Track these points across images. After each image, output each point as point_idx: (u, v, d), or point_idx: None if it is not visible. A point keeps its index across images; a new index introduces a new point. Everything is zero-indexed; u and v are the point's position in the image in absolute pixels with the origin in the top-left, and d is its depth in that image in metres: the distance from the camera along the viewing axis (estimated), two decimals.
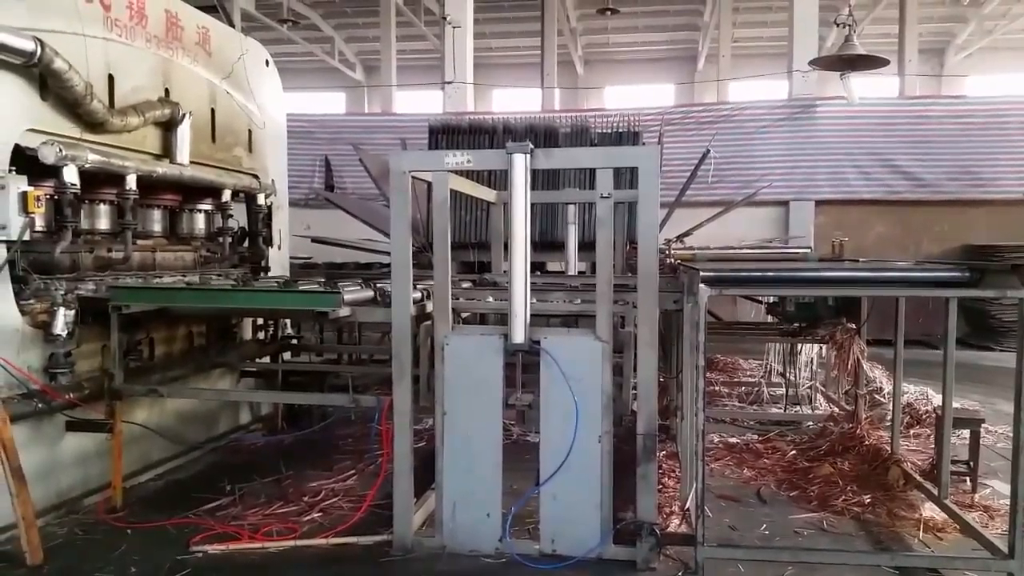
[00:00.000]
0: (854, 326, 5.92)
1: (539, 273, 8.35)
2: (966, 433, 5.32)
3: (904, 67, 17.28)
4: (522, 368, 3.94)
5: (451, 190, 4.38)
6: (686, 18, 22.10)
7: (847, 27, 7.05)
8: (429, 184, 4.05)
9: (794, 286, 3.96)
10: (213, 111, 6.01)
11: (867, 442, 5.65)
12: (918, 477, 4.84)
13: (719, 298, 3.75)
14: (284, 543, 3.95)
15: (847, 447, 5.66)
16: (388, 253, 4.03)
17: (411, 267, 3.80)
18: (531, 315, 3.79)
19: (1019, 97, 13.48)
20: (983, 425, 5.34)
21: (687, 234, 9.12)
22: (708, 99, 19.59)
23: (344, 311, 3.99)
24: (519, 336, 3.69)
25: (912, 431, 6.48)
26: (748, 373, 9.07)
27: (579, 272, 6.96)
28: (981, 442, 5.19)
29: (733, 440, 6.26)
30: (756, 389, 7.78)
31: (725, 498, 4.86)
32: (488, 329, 4.03)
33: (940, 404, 6.69)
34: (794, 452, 5.80)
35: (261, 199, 6.47)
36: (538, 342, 3.73)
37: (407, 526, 3.80)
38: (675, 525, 4.22)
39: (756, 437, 6.31)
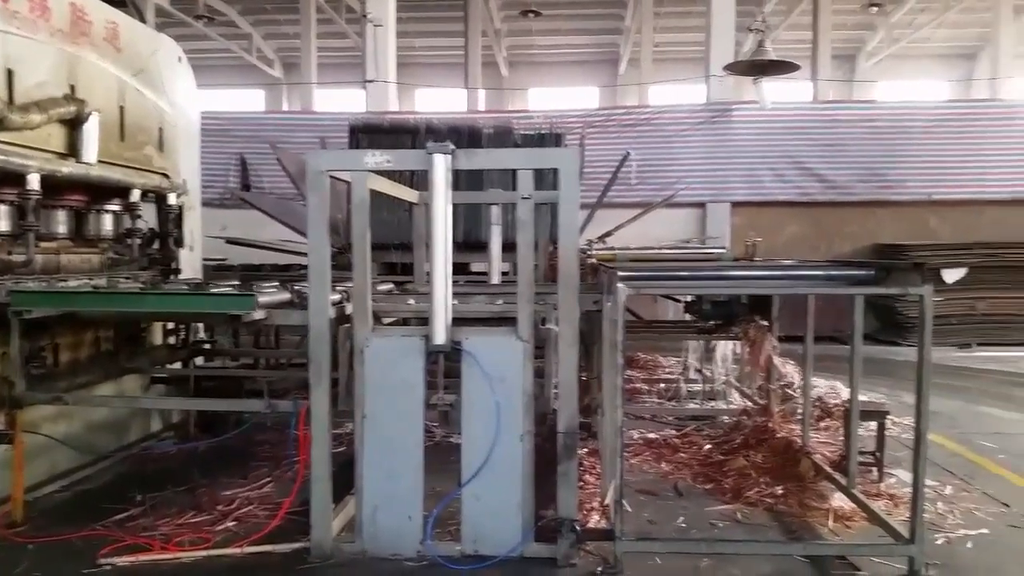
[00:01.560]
0: (766, 323, 6.12)
1: (462, 279, 8.36)
2: (874, 425, 5.56)
3: (817, 72, 17.96)
4: (445, 369, 3.93)
5: (372, 190, 4.35)
6: (608, 22, 22.44)
7: (760, 33, 7.27)
8: (349, 184, 4.00)
9: (707, 284, 4.06)
10: (122, 108, 5.79)
11: (779, 435, 5.84)
12: (827, 468, 5.02)
13: (640, 298, 3.82)
14: (197, 553, 3.84)
15: (760, 440, 5.84)
16: (307, 254, 3.95)
17: (329, 268, 3.75)
18: (453, 316, 3.79)
19: (923, 103, 14.19)
20: (889, 417, 5.59)
21: (608, 235, 9.26)
22: (630, 102, 19.97)
23: (259, 314, 3.90)
24: (440, 337, 3.67)
25: (822, 424, 6.72)
26: (667, 370, 9.26)
27: (503, 273, 7.00)
28: (887, 433, 5.42)
29: (652, 436, 6.39)
30: (675, 386, 7.95)
31: (644, 492, 4.95)
32: (409, 330, 4.00)
33: (849, 398, 7.00)
34: (710, 446, 5.96)
35: (172, 199, 6.26)
36: (460, 343, 3.73)
37: (326, 532, 3.74)
38: (596, 521, 4.28)
39: (674, 432, 6.45)
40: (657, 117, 13.79)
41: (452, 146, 3.66)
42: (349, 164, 3.76)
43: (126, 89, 5.84)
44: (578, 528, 3.71)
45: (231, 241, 9.13)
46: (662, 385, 8.19)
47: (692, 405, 7.49)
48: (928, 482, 5.12)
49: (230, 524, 4.31)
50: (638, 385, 8.24)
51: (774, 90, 12.48)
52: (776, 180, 13.52)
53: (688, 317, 7.77)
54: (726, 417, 6.76)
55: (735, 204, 13.62)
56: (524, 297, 3.74)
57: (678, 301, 8.09)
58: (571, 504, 3.71)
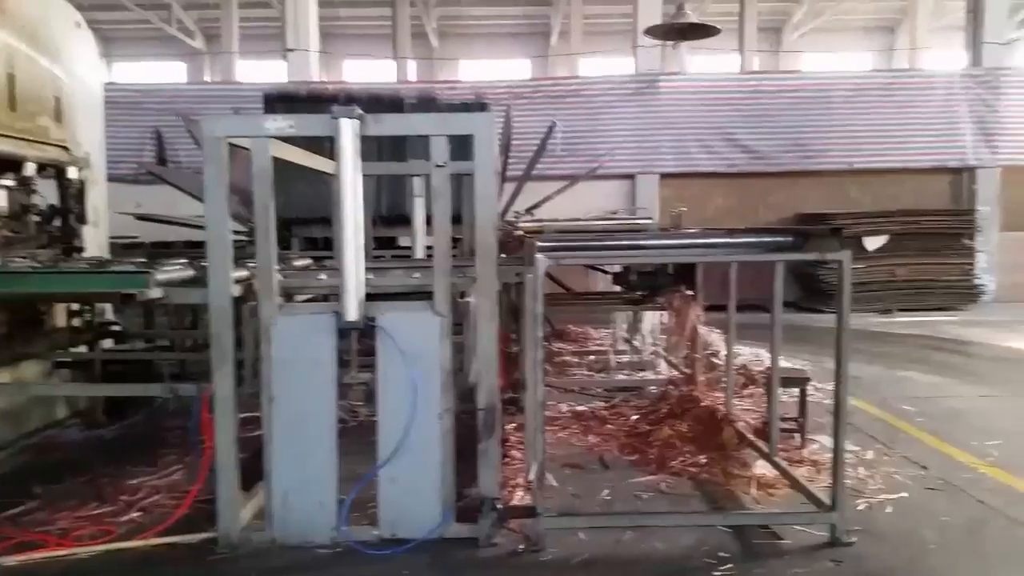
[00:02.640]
0: (691, 293, 6.11)
1: (388, 254, 8.14)
2: (796, 391, 5.60)
3: (744, 44, 18.10)
4: (363, 347, 3.77)
5: (288, 161, 4.13)
6: None
7: None
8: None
9: (626, 254, 3.98)
10: (12, 76, 5.37)
11: (703, 404, 5.85)
12: (751, 436, 5.04)
13: (571, 270, 3.72)
14: (96, 547, 3.61)
15: (685, 409, 5.83)
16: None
17: (231, 242, 3.53)
18: (368, 291, 3.62)
19: (845, 73, 14.43)
20: (811, 383, 5.64)
21: (535, 207, 9.14)
22: (561, 75, 19.80)
23: (155, 293, 3.65)
24: (352, 313, 3.50)
25: (746, 391, 6.78)
26: (597, 342, 9.26)
27: (428, 247, 6.82)
28: (810, 399, 5.47)
29: (581, 408, 6.34)
30: (604, 357, 7.94)
31: (570, 466, 4.88)
32: (319, 307, 3.81)
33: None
34: (636, 417, 5.94)
35: (72, 173, 5.88)
36: (373, 319, 3.56)
37: (234, 521, 3.56)
38: (520, 497, 4.19)
39: (602, 404, 6.42)
40: (585, 88, 13.71)
41: (359, 110, 3.46)
42: (248, 130, 3.52)
43: (15, 55, 5.41)
44: (500, 507, 3.61)
45: (141, 218, 8.70)
46: (592, 357, 8.18)
47: (621, 376, 7.49)
48: (850, 447, 5.21)
49: (135, 515, 4.08)
50: (568, 358, 8.20)
51: (703, 63, 12.53)
52: (703, 151, 13.61)
53: (617, 288, 7.78)
54: (653, 387, 6.76)
55: (664, 176, 13.68)
56: (441, 270, 3.59)
57: (607, 273, 8.06)
58: (492, 483, 3.61)
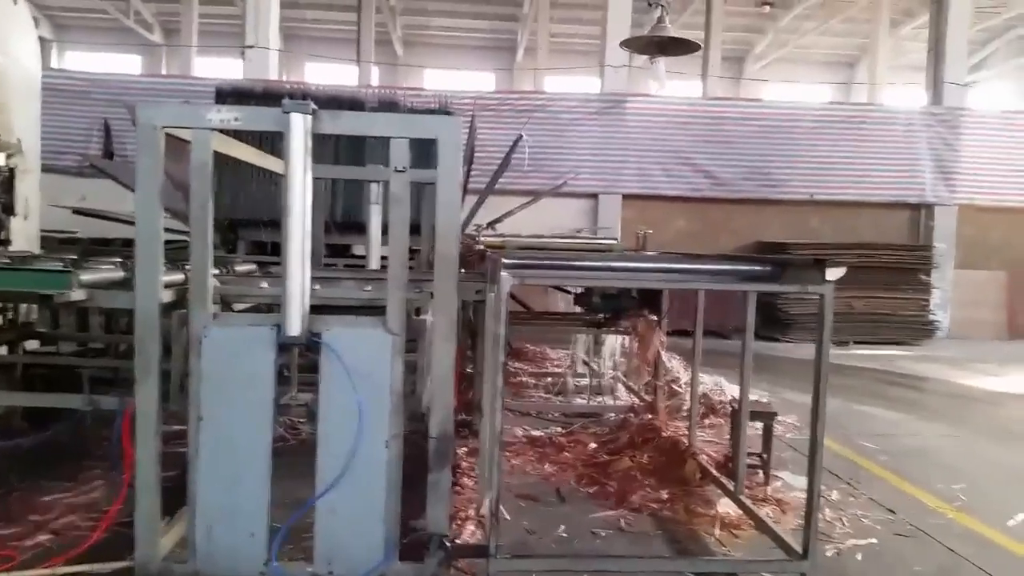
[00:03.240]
0: (655, 318, 5.89)
1: (341, 262, 7.79)
2: (759, 424, 5.39)
3: (707, 70, 18.17)
4: (303, 364, 3.44)
5: (240, 159, 3.81)
6: (506, 7, 22.02)
7: (660, 7, 6.95)
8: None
9: (599, 276, 3.72)
10: None
11: (665, 433, 5.63)
12: (714, 471, 4.81)
13: (530, 288, 3.44)
14: None
15: (646, 439, 5.61)
16: (170, 229, 3.37)
17: (162, 242, 3.18)
18: (315, 304, 3.31)
19: (808, 104, 14.51)
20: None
21: (497, 221, 8.89)
22: (528, 89, 19.66)
23: (78, 294, 3.29)
24: (295, 327, 3.18)
25: (707, 421, 6.58)
26: (556, 363, 9.01)
27: (383, 257, 6.51)
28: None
29: (537, 433, 6.06)
30: (562, 380, 7.68)
31: (524, 498, 4.60)
32: (258, 318, 3.48)
33: (733, 394, 6.88)
34: (595, 445, 5.68)
35: (1, 160, 5.45)
36: (319, 334, 3.24)
37: (153, 550, 3.19)
38: (471, 532, 3.89)
39: (560, 430, 6.15)
40: (552, 104, 13.55)
41: (313, 105, 3.16)
42: (189, 120, 3.19)
43: None
44: (448, 544, 3.30)
45: (79, 212, 8.20)
46: (549, 379, 7.93)
47: (579, 400, 7.24)
48: None
49: (44, 538, 3.68)
50: (524, 379, 7.94)
51: (667, 88, 12.46)
52: (666, 175, 13.54)
53: (578, 309, 7.54)
54: (613, 414, 6.51)
55: (626, 196, 13.56)
56: (395, 283, 3.29)
57: (568, 292, 7.83)
58: (441, 518, 3.30)
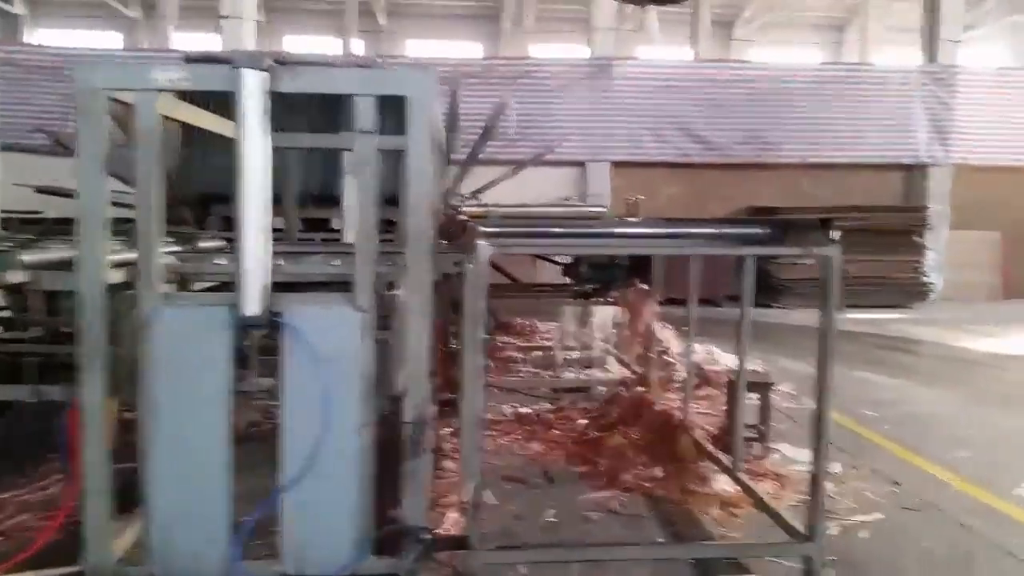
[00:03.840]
0: (647, 287, 5.65)
1: (318, 236, 7.48)
2: (755, 395, 5.18)
3: (699, 32, 17.73)
4: (264, 347, 3.17)
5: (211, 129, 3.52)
6: None
7: None
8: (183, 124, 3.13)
9: (585, 243, 3.45)
10: None
11: (657, 407, 5.40)
12: (709, 447, 4.58)
13: (517, 260, 3.19)
14: None
15: (637, 414, 5.37)
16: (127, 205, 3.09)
17: (107, 218, 2.91)
18: (277, 280, 3.04)
19: (801, 65, 14.18)
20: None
21: (481, 191, 8.59)
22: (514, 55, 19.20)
23: (18, 276, 3.01)
24: (253, 306, 2.91)
25: (701, 392, 6.37)
26: (545, 336, 8.77)
27: None
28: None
29: (525, 410, 5.84)
30: (551, 353, 7.45)
31: (511, 480, 4.38)
32: (213, 298, 3.21)
33: (728, 364, 6.67)
34: (585, 422, 5.46)
35: None
36: (280, 314, 2.98)
37: (105, 552, 2.94)
38: (453, 522, 3.66)
39: (548, 406, 5.93)
40: (538, 70, 13.20)
41: (270, 62, 2.87)
42: (132, 80, 2.89)
43: None
44: (427, 537, 3.07)
45: (43, 191, 7.87)
46: (538, 353, 7.69)
47: (569, 375, 7.01)
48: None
49: None
50: (512, 353, 7.70)
51: (653, 55, 12.16)
52: (656, 140, 13.24)
53: (567, 280, 7.29)
54: (603, 388, 6.28)
55: (615, 164, 13.27)
56: (363, 256, 3.02)
57: (556, 263, 7.58)
58: (419, 510, 3.07)
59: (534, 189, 11.23)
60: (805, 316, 11.23)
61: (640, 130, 13.20)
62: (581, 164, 13.26)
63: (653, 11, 8.31)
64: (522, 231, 3.35)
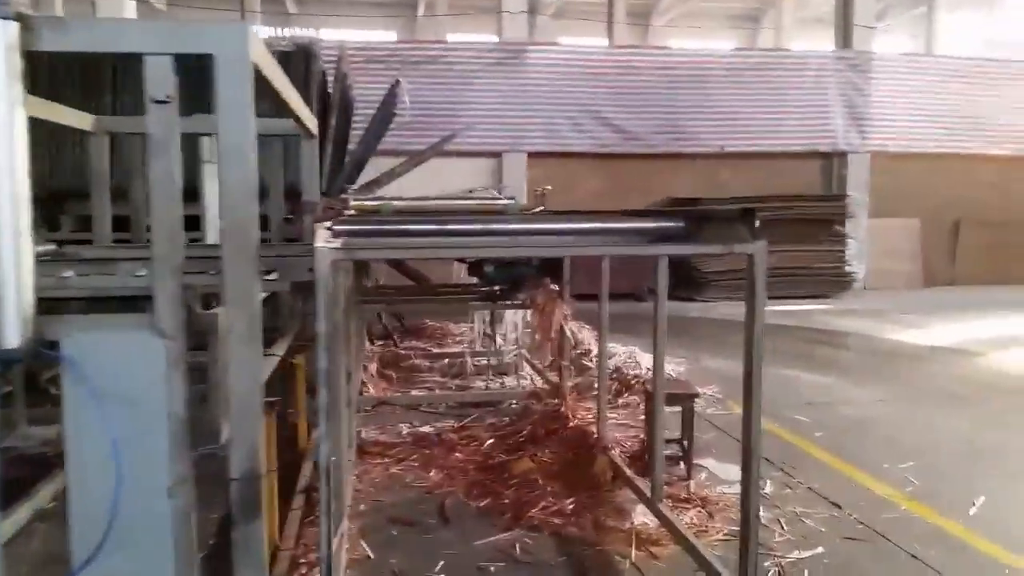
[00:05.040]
0: (557, 288, 5.05)
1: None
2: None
3: (613, 19, 17.20)
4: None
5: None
6: None
7: None
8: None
9: (468, 241, 2.77)
10: None
11: (572, 423, 4.81)
12: (627, 471, 4.00)
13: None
14: None
15: (550, 430, 4.78)
16: None
17: None
18: (58, 296, 2.30)
19: (718, 52, 13.80)
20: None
21: (376, 183, 7.83)
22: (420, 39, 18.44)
23: None
24: (11, 336, 2.16)
25: (620, 400, 5.82)
26: (458, 340, 8.11)
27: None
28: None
29: (426, 430, 5.17)
30: (460, 360, 6.80)
31: (398, 523, 3.70)
32: None
33: (649, 370, 6.13)
34: (492, 441, 4.81)
35: None
36: (55, 343, 2.23)
37: None
38: None
39: (453, 424, 5.26)
40: (447, 55, 12.48)
41: (21, 10, 2.12)
42: None
43: None
44: None
45: None
46: (446, 361, 7.02)
47: (479, 384, 6.37)
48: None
49: None
50: (417, 361, 7.00)
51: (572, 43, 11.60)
52: (574, 130, 12.70)
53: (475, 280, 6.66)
54: (514, 401, 5.66)
55: (532, 155, 12.67)
56: (165, 265, 2.30)
57: (462, 261, 6.93)
58: None
59: (448, 182, 10.51)
60: (729, 310, 10.99)
61: (557, 119, 12.64)
62: (497, 155, 12.63)
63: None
64: (379, 228, 2.65)
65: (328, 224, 2.52)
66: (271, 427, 3.07)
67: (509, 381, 6.40)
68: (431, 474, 4.35)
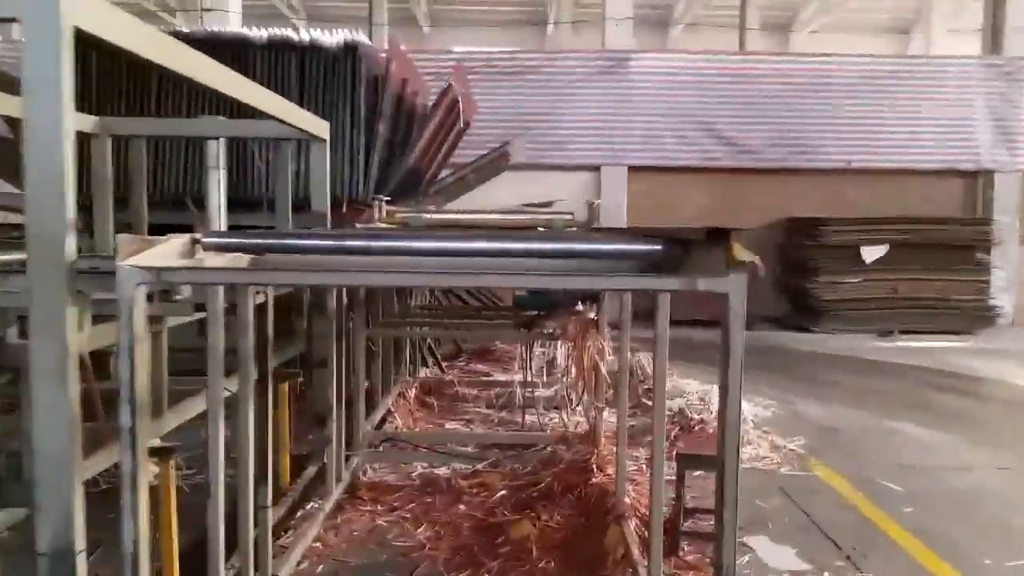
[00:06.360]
0: (593, 315, 4.38)
1: None
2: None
3: (744, 32, 16.05)
4: None
5: None
6: None
7: None
8: None
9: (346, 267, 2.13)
10: None
11: (596, 479, 4.08)
12: (635, 550, 3.24)
13: None
14: None
15: (569, 486, 4.07)
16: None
17: None
18: None
19: (845, 59, 12.49)
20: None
21: (439, 192, 7.34)
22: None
23: None
24: None
25: (675, 450, 5.00)
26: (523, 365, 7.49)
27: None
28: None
29: (442, 471, 4.58)
30: (509, 391, 6.18)
31: None
32: None
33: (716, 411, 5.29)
34: (504, 492, 4.15)
35: None
36: None
37: None
38: None
39: (473, 467, 4.63)
40: (548, 65, 11.91)
41: None
42: None
43: None
44: None
45: None
46: (495, 390, 6.41)
47: (527, 418, 5.72)
48: (799, 566, 3.44)
49: None
50: (461, 390, 6.42)
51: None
52: (679, 142, 11.81)
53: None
54: (543, 445, 4.95)
55: (633, 169, 11.89)
56: None
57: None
58: None
59: (541, 195, 9.93)
60: (847, 343, 9.80)
61: (662, 130, 11.81)
62: (595, 168, 11.94)
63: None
64: (241, 244, 2.05)
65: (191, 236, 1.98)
66: (167, 478, 2.56)
67: (561, 417, 5.71)
68: (419, 530, 3.74)
